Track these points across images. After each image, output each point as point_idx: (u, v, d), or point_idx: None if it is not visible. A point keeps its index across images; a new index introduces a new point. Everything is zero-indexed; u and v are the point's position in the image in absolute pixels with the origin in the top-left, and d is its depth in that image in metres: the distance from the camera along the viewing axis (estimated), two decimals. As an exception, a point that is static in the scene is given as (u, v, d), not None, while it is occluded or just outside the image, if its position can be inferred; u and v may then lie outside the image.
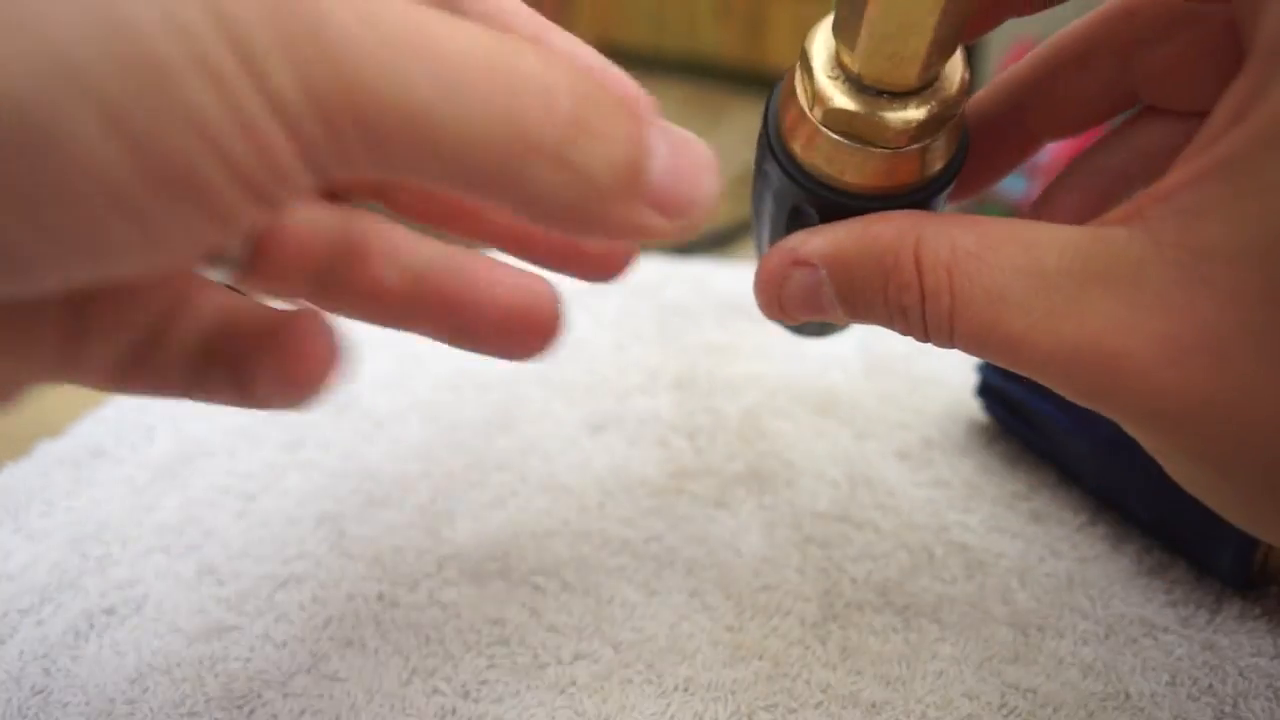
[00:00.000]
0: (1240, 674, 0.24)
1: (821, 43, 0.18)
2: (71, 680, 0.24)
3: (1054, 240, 0.15)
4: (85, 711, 0.23)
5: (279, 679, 0.24)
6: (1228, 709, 0.23)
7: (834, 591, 0.27)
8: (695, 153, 0.15)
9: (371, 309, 0.20)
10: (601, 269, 0.22)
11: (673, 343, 0.41)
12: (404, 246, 0.20)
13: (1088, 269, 0.15)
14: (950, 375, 0.38)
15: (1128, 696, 0.24)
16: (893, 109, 0.17)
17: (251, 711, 0.23)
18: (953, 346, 0.17)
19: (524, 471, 0.32)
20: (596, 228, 0.15)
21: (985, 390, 0.34)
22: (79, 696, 0.24)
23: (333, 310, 0.19)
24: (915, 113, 0.17)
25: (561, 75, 0.13)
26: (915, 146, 0.17)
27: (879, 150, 0.17)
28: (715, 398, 0.37)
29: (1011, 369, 0.16)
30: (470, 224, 0.21)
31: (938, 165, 0.18)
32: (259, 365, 0.17)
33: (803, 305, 0.19)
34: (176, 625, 0.26)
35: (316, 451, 0.34)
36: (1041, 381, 0.16)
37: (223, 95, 0.11)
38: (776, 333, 0.42)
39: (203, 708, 0.23)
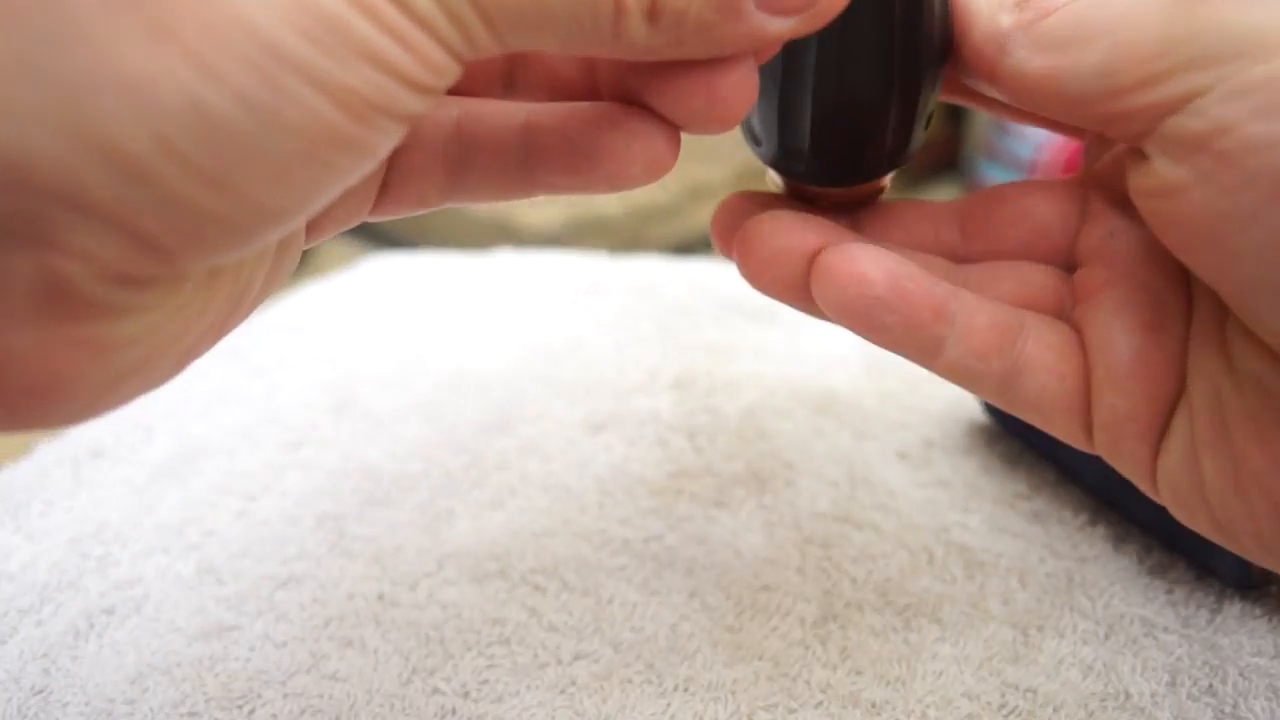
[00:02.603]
0: (1241, 674, 0.24)
1: None
2: (71, 680, 0.24)
3: None
4: (85, 711, 0.23)
5: (279, 679, 0.24)
6: (1228, 709, 0.23)
7: (834, 591, 0.27)
8: None
9: (554, 96, 0.21)
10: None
11: (672, 343, 0.41)
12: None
13: None
14: (950, 375, 0.38)
15: (1128, 696, 0.24)
16: None
17: (251, 711, 0.23)
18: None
19: (524, 471, 0.32)
20: (717, 51, 0.16)
21: (985, 390, 0.34)
22: (79, 696, 0.24)
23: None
24: None
25: None
26: None
27: None
28: (715, 398, 0.37)
29: None
30: (599, 90, 0.22)
31: None
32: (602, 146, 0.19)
33: None
34: (176, 625, 0.26)
35: (316, 451, 0.34)
36: None
37: (381, 24, 0.13)
38: (776, 333, 0.42)
39: (203, 708, 0.23)
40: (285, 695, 0.24)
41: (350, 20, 0.13)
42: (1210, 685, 0.24)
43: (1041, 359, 0.19)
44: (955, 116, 2.01)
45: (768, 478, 0.32)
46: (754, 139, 0.21)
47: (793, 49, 0.19)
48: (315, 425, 0.35)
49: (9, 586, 0.27)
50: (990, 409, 0.34)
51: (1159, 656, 0.25)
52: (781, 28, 0.16)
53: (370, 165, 0.14)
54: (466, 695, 0.24)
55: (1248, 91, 0.14)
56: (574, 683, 0.24)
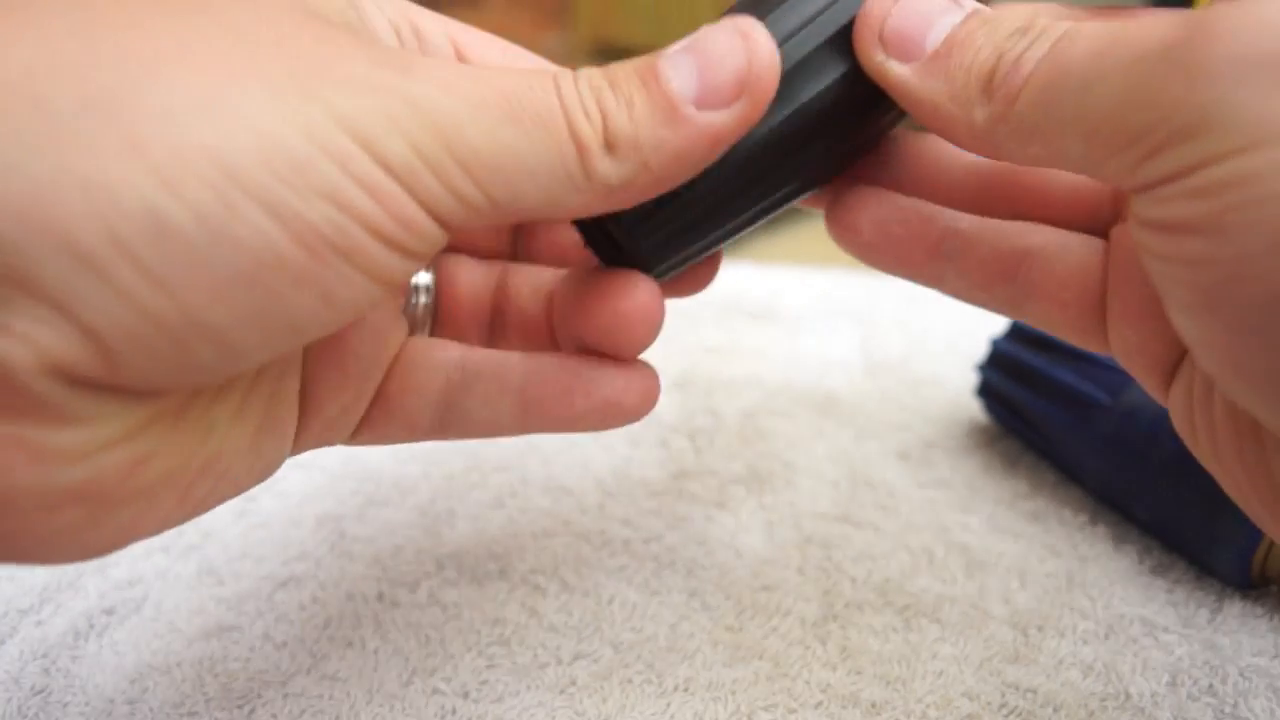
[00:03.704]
0: (1241, 674, 0.24)
1: None
2: (71, 680, 0.24)
3: None
4: (85, 711, 0.23)
5: (279, 679, 0.24)
6: (1228, 709, 0.23)
7: (834, 591, 0.27)
8: (718, 42, 0.17)
9: (530, 341, 0.24)
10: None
11: (673, 343, 0.41)
12: (543, 277, 0.24)
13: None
14: (950, 375, 0.38)
15: (1128, 696, 0.24)
16: None
17: (251, 711, 0.23)
18: (1021, 88, 0.17)
19: (524, 471, 0.32)
20: (686, 162, 0.17)
21: (985, 391, 0.34)
22: (79, 696, 0.24)
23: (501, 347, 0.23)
24: None
25: (580, 82, 0.16)
26: None
27: None
28: (715, 398, 0.37)
29: (1074, 88, 0.16)
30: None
31: None
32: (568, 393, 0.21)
33: (914, 16, 0.19)
34: (176, 625, 0.26)
35: (316, 452, 0.34)
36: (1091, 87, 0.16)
37: (350, 172, 0.14)
38: (776, 333, 0.42)
39: (203, 708, 0.23)
40: (285, 695, 0.24)
41: (314, 160, 0.14)
42: (1210, 685, 0.24)
43: (1044, 287, 0.20)
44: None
45: (768, 478, 0.32)
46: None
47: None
48: (315, 425, 0.35)
49: (9, 586, 0.27)
50: (990, 410, 0.34)
51: (1159, 656, 0.25)
52: (727, 119, 0.17)
53: (327, 317, 0.15)
54: (466, 695, 0.24)
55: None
56: (574, 683, 0.24)
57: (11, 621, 0.26)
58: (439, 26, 0.20)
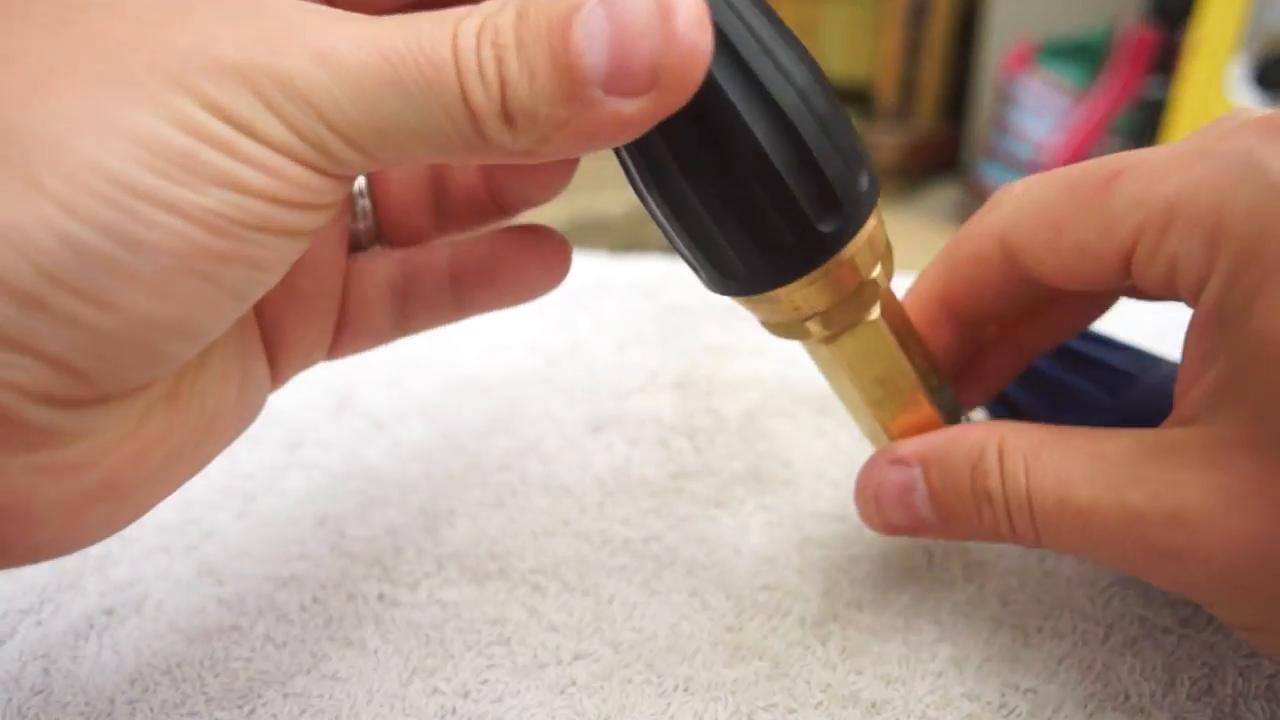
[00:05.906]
0: (1240, 675, 0.24)
1: None
2: (71, 680, 0.24)
3: (1113, 434, 0.19)
4: (85, 711, 0.23)
5: (279, 679, 0.24)
6: (1227, 709, 0.23)
7: (834, 591, 0.27)
8: (638, 13, 0.14)
9: (476, 219, 0.24)
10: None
11: (673, 343, 0.41)
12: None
13: (1139, 449, 0.18)
14: (950, 375, 0.38)
15: (1127, 697, 0.24)
16: None
17: (251, 711, 0.23)
18: (1037, 539, 0.20)
19: (524, 471, 0.32)
20: (588, 143, 0.15)
21: (985, 390, 0.34)
22: (79, 696, 0.24)
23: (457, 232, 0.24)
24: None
25: (484, 40, 0.15)
26: None
27: None
28: (715, 398, 0.37)
29: (1091, 553, 0.19)
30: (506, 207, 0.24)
31: None
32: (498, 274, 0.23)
33: (897, 505, 0.22)
34: (176, 625, 0.26)
35: (316, 451, 0.34)
36: (1116, 559, 0.19)
37: (236, 155, 0.14)
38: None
39: (203, 708, 0.23)
40: (285, 695, 0.24)
41: (197, 152, 0.14)
42: (1209, 686, 0.24)
43: None
44: (954, 117, 2.01)
45: (768, 478, 0.32)
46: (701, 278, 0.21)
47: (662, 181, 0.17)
48: (315, 425, 0.35)
49: (9, 586, 0.27)
50: (990, 409, 0.34)
51: (1158, 657, 0.25)
52: (636, 109, 0.15)
53: (267, 277, 0.15)
54: (466, 695, 0.24)
55: None
56: (574, 683, 0.24)
57: (11, 621, 0.26)
58: None
